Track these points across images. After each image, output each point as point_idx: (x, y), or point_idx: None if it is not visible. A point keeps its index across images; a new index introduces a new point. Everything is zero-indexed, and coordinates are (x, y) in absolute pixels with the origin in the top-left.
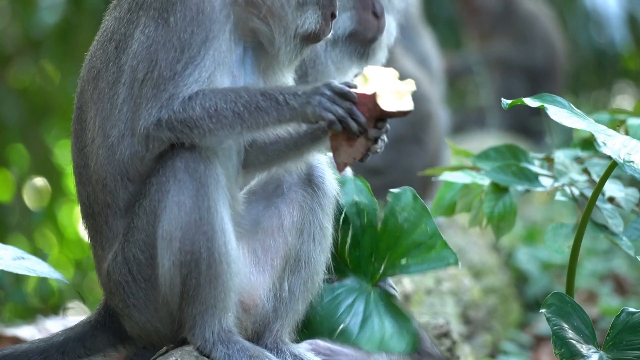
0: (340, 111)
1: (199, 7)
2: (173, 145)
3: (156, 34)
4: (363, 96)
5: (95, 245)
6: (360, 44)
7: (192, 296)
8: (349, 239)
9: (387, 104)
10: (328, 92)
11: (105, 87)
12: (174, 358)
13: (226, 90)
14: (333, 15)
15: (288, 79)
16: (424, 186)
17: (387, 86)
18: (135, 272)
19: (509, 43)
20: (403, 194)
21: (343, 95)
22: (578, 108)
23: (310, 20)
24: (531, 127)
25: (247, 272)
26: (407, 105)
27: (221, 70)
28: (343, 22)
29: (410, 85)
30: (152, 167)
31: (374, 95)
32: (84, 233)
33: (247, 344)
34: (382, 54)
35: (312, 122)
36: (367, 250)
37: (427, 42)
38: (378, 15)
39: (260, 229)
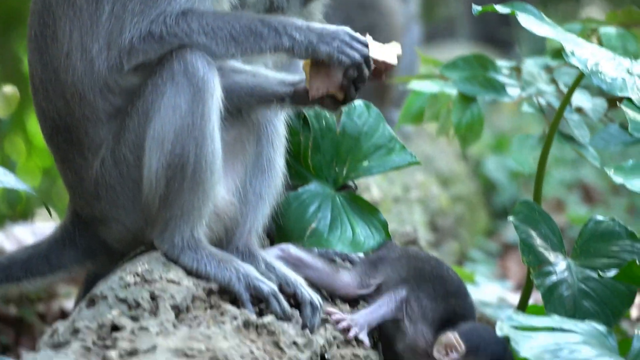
0: (357, 57)
1: None
2: (173, 49)
3: None
4: None
5: (72, 157)
6: None
7: (171, 200)
8: (310, 144)
9: (375, 52)
10: (347, 38)
11: (83, 3)
12: (141, 263)
13: (223, 13)
14: None
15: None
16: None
17: (375, 43)
18: (125, 173)
19: None
20: (357, 104)
21: (360, 42)
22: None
23: None
24: (501, 37)
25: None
26: (392, 59)
27: None
28: None
29: (396, 47)
30: (134, 78)
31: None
32: (51, 148)
33: (215, 249)
34: None
35: (311, 57)
36: (328, 155)
37: None
38: None
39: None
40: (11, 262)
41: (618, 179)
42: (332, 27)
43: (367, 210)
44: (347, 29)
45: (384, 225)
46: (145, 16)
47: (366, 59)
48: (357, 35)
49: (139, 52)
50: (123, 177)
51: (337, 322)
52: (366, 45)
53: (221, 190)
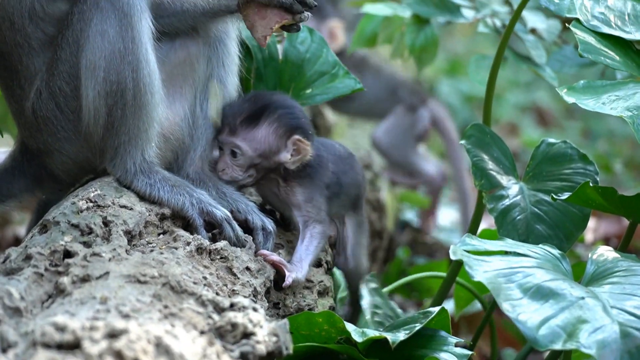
0: None
1: None
2: None
3: None
4: None
5: (10, 85)
6: None
7: (117, 127)
8: (253, 73)
9: None
10: None
11: None
12: (93, 189)
13: None
14: None
15: None
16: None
17: None
18: (63, 104)
19: None
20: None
21: None
22: None
23: None
24: None
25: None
26: None
27: None
28: None
29: None
30: (61, 6)
31: None
32: None
33: (168, 174)
34: None
35: None
36: (270, 83)
37: None
38: None
39: (167, 60)
40: None
41: (570, 98)
42: None
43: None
44: None
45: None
46: None
47: None
48: None
49: None
50: (60, 108)
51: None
52: None
53: (167, 111)
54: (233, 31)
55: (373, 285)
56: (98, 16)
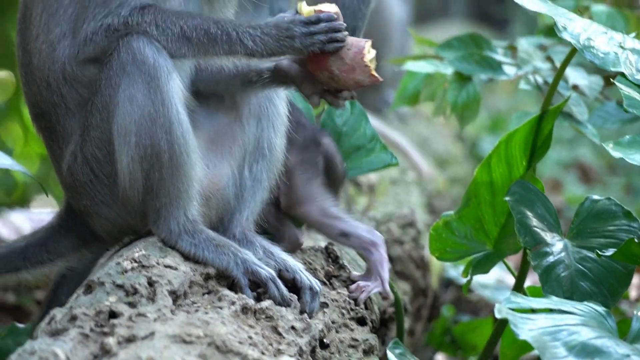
0: (322, 37)
1: None
2: (119, 38)
3: None
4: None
5: (51, 145)
6: None
7: (156, 189)
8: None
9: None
10: (303, 28)
11: None
12: (137, 249)
13: (182, 11)
14: None
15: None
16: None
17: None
18: (97, 170)
19: None
20: None
21: (316, 22)
22: None
23: None
24: (494, 15)
25: (206, 161)
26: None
27: None
28: None
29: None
30: (94, 69)
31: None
32: (38, 134)
33: (213, 233)
34: None
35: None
36: None
37: None
38: None
39: (216, 119)
40: (10, 251)
41: (617, 153)
42: (284, 21)
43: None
44: (296, 17)
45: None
46: (105, 7)
47: (330, 29)
48: (312, 17)
49: (93, 43)
50: (95, 174)
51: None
52: (328, 20)
53: (214, 171)
54: (282, 90)
55: (399, 350)
56: (125, 81)
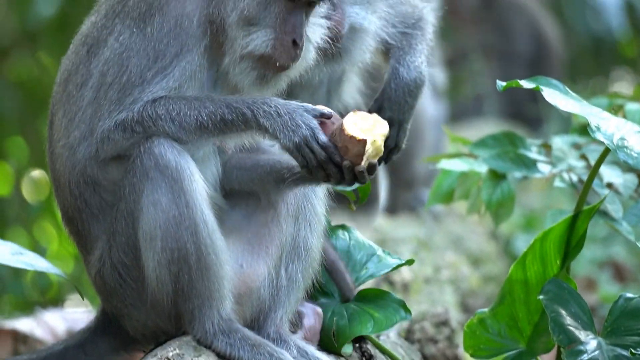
0: (314, 162)
1: (178, 20)
2: (141, 143)
3: (130, 41)
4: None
5: (81, 249)
6: (268, 68)
7: (187, 291)
8: None
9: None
10: (308, 134)
11: (73, 89)
12: (172, 348)
13: (191, 98)
14: (295, 43)
15: None
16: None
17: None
18: (124, 274)
19: (490, 32)
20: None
21: (320, 143)
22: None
23: (257, 41)
24: (528, 114)
25: (239, 261)
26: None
27: (191, 84)
28: (259, 40)
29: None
30: (114, 171)
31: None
32: (69, 237)
33: (248, 332)
34: (284, 84)
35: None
36: None
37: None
38: (297, 45)
39: (253, 219)
40: (48, 354)
41: None
42: (298, 115)
43: (379, 296)
44: (315, 126)
45: (399, 302)
46: (119, 104)
47: (324, 160)
48: (321, 136)
49: (111, 142)
50: (123, 278)
51: None
52: (325, 148)
53: (250, 270)
54: (320, 190)
55: None
56: (149, 187)
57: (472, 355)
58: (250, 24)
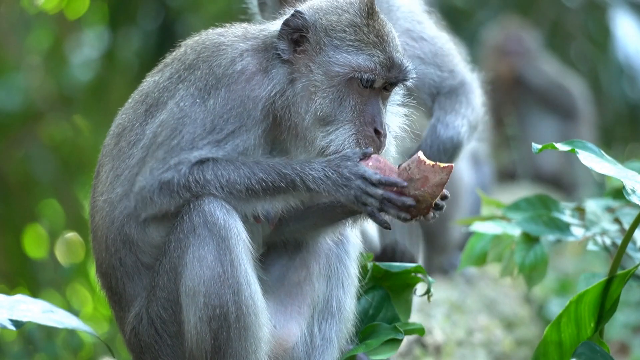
0: (374, 204)
1: (243, 101)
2: (190, 200)
3: (191, 109)
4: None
5: (113, 305)
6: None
7: (224, 350)
8: None
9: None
10: (362, 184)
11: (125, 145)
12: None
13: (239, 163)
14: (377, 132)
15: None
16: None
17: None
18: (161, 330)
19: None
20: None
21: (375, 184)
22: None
23: (339, 140)
24: (562, 177)
25: (272, 322)
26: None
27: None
28: (341, 138)
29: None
30: (154, 232)
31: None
32: (102, 291)
33: None
34: None
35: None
36: None
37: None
38: (380, 133)
39: (287, 279)
40: None
41: None
42: (347, 168)
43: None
44: (360, 167)
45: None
46: (164, 163)
47: (385, 199)
48: (373, 177)
49: (154, 203)
50: (159, 334)
51: None
52: (388, 184)
53: (282, 330)
54: (353, 252)
55: None
56: (195, 243)
57: None
58: (327, 123)
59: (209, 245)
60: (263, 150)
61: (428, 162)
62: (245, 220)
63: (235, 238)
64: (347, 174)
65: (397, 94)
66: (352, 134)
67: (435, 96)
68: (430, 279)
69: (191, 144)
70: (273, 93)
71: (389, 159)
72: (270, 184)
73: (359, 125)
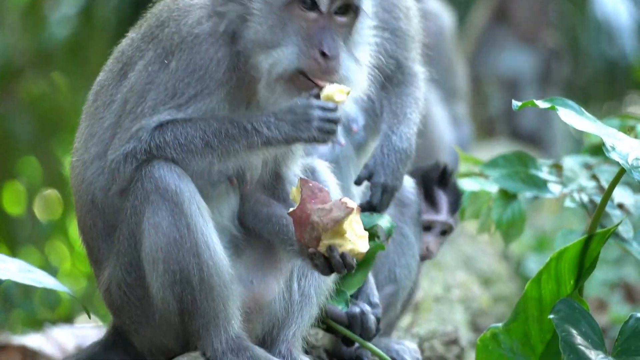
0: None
1: (205, 63)
2: (141, 166)
3: (157, 75)
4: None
5: (92, 263)
6: (304, 87)
7: (192, 311)
8: None
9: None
10: (320, 113)
11: (100, 105)
12: None
13: (197, 119)
14: (324, 55)
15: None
16: None
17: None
18: (129, 293)
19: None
20: None
21: (332, 109)
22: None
23: (280, 58)
24: (540, 136)
25: (249, 277)
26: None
27: None
28: (282, 56)
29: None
30: (116, 198)
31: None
32: (82, 246)
33: (258, 351)
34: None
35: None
36: None
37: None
38: (327, 56)
39: (265, 238)
40: None
41: None
42: (299, 105)
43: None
44: (311, 100)
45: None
46: (128, 132)
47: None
48: (326, 104)
49: (121, 174)
50: (128, 297)
51: None
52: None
53: (258, 286)
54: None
55: None
56: (149, 210)
57: None
58: (271, 47)
59: (163, 212)
60: (233, 112)
61: (344, 200)
62: (217, 183)
63: (187, 202)
64: (302, 109)
65: (364, 24)
66: (295, 53)
67: (384, 84)
68: (391, 222)
69: (153, 110)
70: (235, 50)
71: (353, 89)
72: (223, 135)
73: (303, 46)
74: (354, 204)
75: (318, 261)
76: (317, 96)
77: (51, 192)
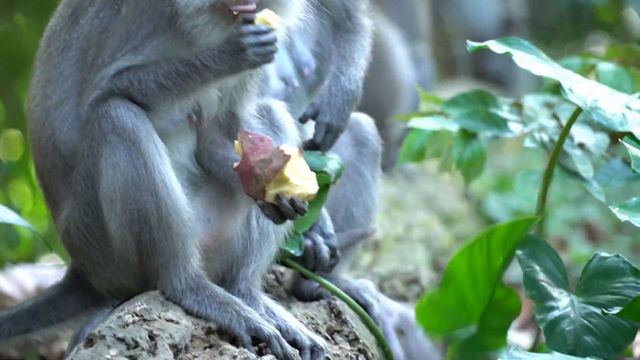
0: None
1: (152, 2)
2: (97, 106)
3: (109, 21)
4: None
5: (49, 206)
6: (228, 17)
7: (150, 250)
8: None
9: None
10: (253, 39)
11: (54, 51)
12: (139, 303)
13: (150, 63)
14: None
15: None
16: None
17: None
18: (87, 234)
19: None
20: None
21: (265, 31)
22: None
23: None
24: (501, 74)
25: (206, 215)
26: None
27: None
28: None
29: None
30: (74, 138)
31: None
32: (40, 190)
33: (217, 289)
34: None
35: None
36: None
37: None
38: None
39: (219, 173)
40: (19, 311)
41: (623, 216)
42: (233, 34)
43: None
44: (243, 27)
45: None
46: (91, 84)
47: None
48: (258, 27)
49: (84, 121)
50: (86, 237)
51: None
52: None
53: (216, 224)
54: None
55: None
56: (107, 150)
57: (426, 330)
58: None
59: (120, 151)
60: (190, 46)
61: (282, 147)
62: (178, 122)
63: (145, 140)
64: (235, 38)
65: None
66: None
67: (334, 31)
68: (340, 163)
69: (112, 58)
70: None
71: (287, 15)
72: (175, 75)
73: None
74: (293, 149)
75: (268, 211)
76: (252, 21)
77: (12, 132)
